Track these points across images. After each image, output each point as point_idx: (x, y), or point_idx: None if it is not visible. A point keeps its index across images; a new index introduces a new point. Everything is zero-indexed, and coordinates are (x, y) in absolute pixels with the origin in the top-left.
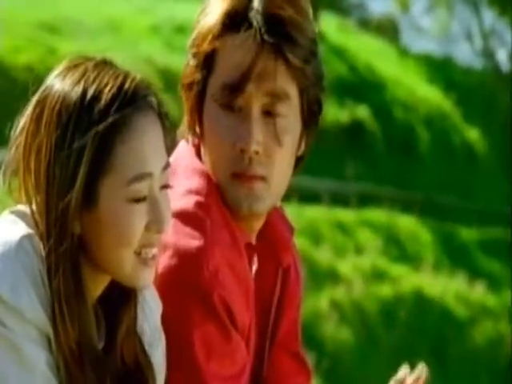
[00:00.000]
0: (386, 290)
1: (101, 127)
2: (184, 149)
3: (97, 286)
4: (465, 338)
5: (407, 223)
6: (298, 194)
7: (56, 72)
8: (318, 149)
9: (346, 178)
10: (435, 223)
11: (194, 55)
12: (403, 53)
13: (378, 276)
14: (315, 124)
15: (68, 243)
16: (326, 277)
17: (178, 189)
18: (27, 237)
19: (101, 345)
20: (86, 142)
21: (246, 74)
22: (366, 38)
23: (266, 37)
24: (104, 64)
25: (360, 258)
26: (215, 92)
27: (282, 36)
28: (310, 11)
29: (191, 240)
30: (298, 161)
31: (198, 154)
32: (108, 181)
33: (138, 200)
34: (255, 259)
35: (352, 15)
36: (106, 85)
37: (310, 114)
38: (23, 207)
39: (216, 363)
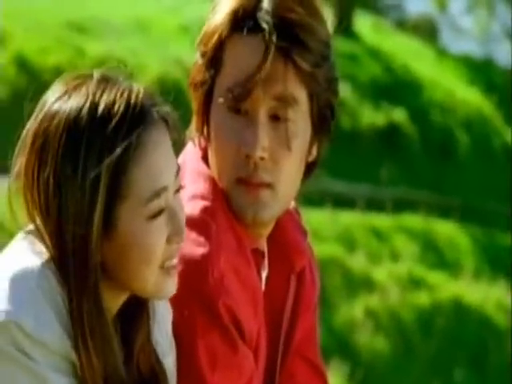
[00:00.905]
0: (423, 298)
1: (114, 154)
2: (191, 151)
3: (116, 304)
4: (505, 347)
5: (445, 229)
6: (332, 200)
7: (54, 95)
8: (352, 153)
9: (382, 182)
10: (475, 229)
11: (202, 54)
12: (441, 53)
13: (414, 283)
14: (327, 129)
15: (90, 276)
16: (360, 284)
17: (183, 192)
18: (48, 263)
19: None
20: (100, 171)
21: (253, 78)
22: (402, 38)
23: (274, 39)
24: (105, 81)
25: (396, 264)
26: (222, 93)
27: (292, 39)
28: (324, 12)
29: (196, 246)
30: (309, 167)
31: (205, 157)
32: (126, 205)
33: (156, 215)
34: (265, 265)
35: (388, 15)
36: (113, 105)
37: (321, 119)
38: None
39: (221, 374)
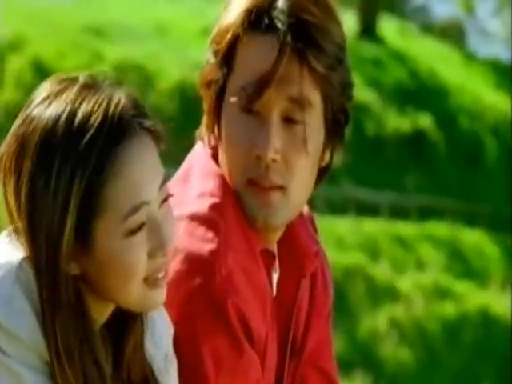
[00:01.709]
0: (449, 309)
1: (87, 170)
2: (200, 150)
3: (102, 314)
4: None
5: (472, 237)
6: (356, 207)
7: (38, 99)
8: (377, 159)
9: (407, 189)
10: (503, 237)
11: (215, 53)
12: (469, 57)
13: (440, 293)
14: (341, 135)
15: (63, 287)
16: (384, 294)
17: (191, 191)
18: (28, 260)
19: (108, 368)
20: (71, 188)
21: (266, 79)
22: (428, 42)
23: (289, 40)
24: (87, 88)
25: (421, 274)
26: (234, 93)
27: (307, 40)
28: (339, 14)
29: (204, 243)
30: (322, 173)
31: (215, 157)
32: (102, 221)
33: (136, 231)
34: (276, 267)
35: (414, 19)
36: (90, 116)
37: (335, 123)
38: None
39: (226, 378)
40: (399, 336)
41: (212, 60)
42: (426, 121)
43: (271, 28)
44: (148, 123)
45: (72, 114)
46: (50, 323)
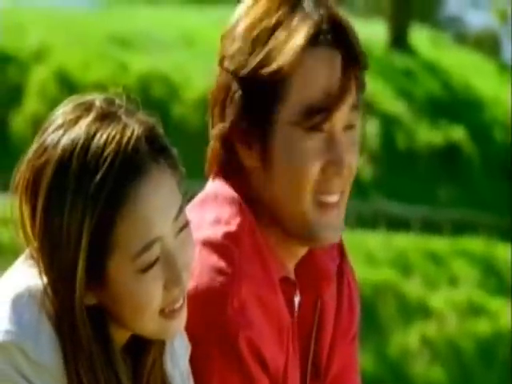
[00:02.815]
0: (483, 326)
1: (96, 210)
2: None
3: (121, 339)
4: None
5: (507, 252)
6: (387, 221)
7: (52, 126)
8: (408, 173)
9: (439, 203)
10: None
11: (262, 80)
12: (504, 68)
13: (474, 310)
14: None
15: (79, 318)
16: (416, 311)
17: (206, 216)
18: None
19: None
20: (82, 225)
21: (339, 93)
22: (462, 52)
23: (341, 50)
24: (101, 119)
25: (454, 290)
26: (294, 116)
27: (348, 45)
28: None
29: (216, 273)
30: None
31: (234, 185)
32: (114, 258)
33: (149, 268)
34: (297, 292)
35: (448, 29)
36: (100, 153)
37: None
38: None
39: None
40: (431, 354)
41: (254, 89)
42: (459, 133)
43: (330, 42)
44: (163, 157)
45: (84, 150)
46: (71, 352)
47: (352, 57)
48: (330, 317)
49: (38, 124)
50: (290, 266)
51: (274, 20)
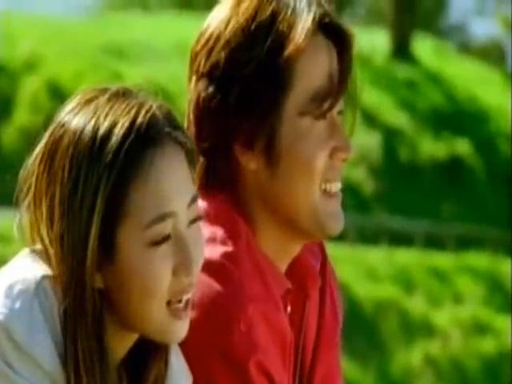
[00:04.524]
0: (488, 345)
1: (110, 179)
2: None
3: (122, 346)
4: None
5: None
6: (389, 237)
7: (68, 107)
8: (411, 187)
9: (443, 218)
10: None
11: (264, 73)
12: (509, 79)
13: (479, 328)
14: None
15: (88, 300)
16: (419, 329)
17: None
18: (48, 279)
19: None
20: (97, 193)
21: (342, 80)
22: (466, 62)
23: (334, 38)
24: (117, 96)
25: (459, 307)
26: (302, 105)
27: (341, 30)
28: None
29: (217, 297)
30: None
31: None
32: (125, 228)
33: (160, 242)
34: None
35: (451, 38)
36: (116, 123)
37: None
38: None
39: None
40: (435, 373)
41: (263, 76)
42: (463, 146)
43: (329, 31)
44: (179, 136)
45: (97, 124)
46: (74, 337)
47: (345, 41)
48: (313, 320)
49: (29, 136)
50: (283, 267)
51: (268, 12)
